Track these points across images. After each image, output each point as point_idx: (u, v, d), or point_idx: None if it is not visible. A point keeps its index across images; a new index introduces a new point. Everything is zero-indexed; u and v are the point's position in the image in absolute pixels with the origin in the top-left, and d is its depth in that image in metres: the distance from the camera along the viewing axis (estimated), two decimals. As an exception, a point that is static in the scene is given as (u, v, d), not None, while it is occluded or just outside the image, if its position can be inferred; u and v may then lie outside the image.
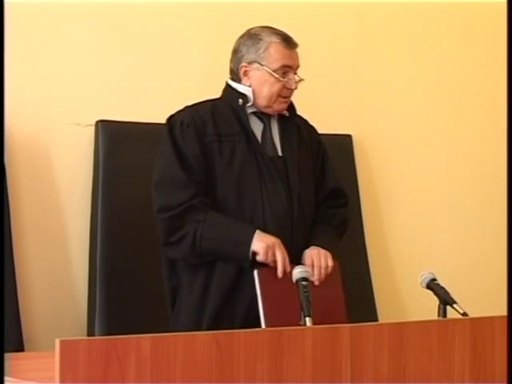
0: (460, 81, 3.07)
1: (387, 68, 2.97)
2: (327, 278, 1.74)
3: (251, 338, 1.24)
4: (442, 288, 1.66)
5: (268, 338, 1.26)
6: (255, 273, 1.67)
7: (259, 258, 1.67)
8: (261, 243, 1.67)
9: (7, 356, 1.35)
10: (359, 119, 2.86)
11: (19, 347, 1.97)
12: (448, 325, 1.55)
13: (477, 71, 3.12)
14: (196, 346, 1.15)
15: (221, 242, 1.73)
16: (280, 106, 1.83)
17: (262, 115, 1.85)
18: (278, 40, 1.80)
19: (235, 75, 1.86)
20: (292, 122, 1.90)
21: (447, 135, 3.01)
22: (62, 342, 0.99)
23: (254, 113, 1.84)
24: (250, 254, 1.68)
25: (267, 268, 1.68)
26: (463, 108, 3.08)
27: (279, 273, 1.64)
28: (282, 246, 1.69)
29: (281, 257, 1.66)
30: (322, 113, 2.48)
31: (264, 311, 1.64)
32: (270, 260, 1.66)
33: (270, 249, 1.67)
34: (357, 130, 2.80)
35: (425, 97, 3.02)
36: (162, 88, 2.39)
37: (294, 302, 1.53)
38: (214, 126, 1.78)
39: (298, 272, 1.50)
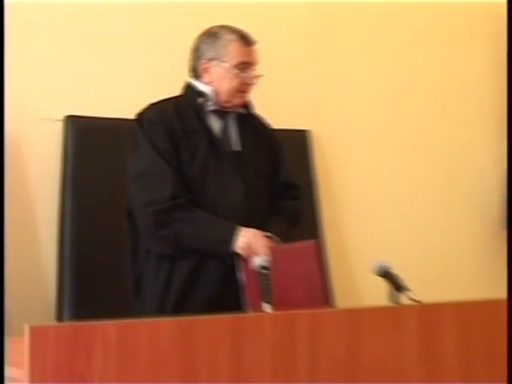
0: (413, 77, 3.18)
1: (345, 64, 3.04)
2: (302, 257, 1.81)
3: (213, 323, 1.29)
4: (395, 276, 1.74)
5: (229, 323, 1.31)
6: (238, 262, 1.78)
7: (241, 253, 1.78)
8: (243, 239, 1.77)
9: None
10: (318, 115, 2.92)
11: (-12, 333, 2.00)
12: (400, 310, 1.64)
13: (426, 67, 3.22)
14: (160, 330, 1.19)
15: (206, 240, 1.81)
16: (239, 100, 1.91)
17: (221, 113, 1.91)
18: (236, 38, 1.88)
19: (195, 72, 1.92)
20: (249, 120, 1.98)
21: (400, 129, 3.11)
22: (31, 328, 1.03)
23: (214, 111, 1.90)
24: (233, 250, 1.78)
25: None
26: (415, 103, 3.18)
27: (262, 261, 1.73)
28: (262, 239, 1.79)
29: (259, 251, 1.74)
30: (280, 108, 2.57)
31: (246, 298, 1.75)
32: (250, 255, 1.75)
33: (250, 245, 1.77)
34: (315, 126, 2.86)
35: (380, 93, 3.10)
36: (131, 84, 2.42)
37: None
38: (179, 122, 1.85)
39: (258, 261, 1.58)
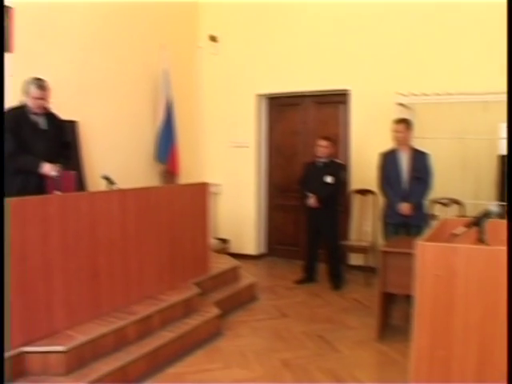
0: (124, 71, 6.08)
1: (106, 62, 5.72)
2: (68, 178, 4.52)
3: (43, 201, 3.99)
4: (111, 178, 4.62)
5: (57, 201, 4.03)
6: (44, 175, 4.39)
7: (45, 171, 4.36)
8: (45, 165, 4.34)
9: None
10: (83, 107, 5.57)
11: None
12: (117, 194, 4.48)
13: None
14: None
15: (30, 166, 4.30)
16: (37, 109, 4.40)
17: (36, 113, 4.39)
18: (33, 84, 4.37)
19: (25, 94, 4.42)
20: (49, 115, 4.54)
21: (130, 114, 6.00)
22: None
23: (34, 113, 4.40)
24: (41, 170, 4.33)
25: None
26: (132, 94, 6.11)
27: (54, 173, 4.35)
28: (53, 167, 4.37)
29: (52, 171, 4.36)
30: (64, 105, 4.92)
31: (50, 189, 4.38)
32: (49, 172, 4.35)
33: (48, 168, 4.31)
34: (81, 116, 5.52)
35: (119, 88, 5.89)
36: None
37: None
38: (20, 117, 4.34)
39: (53, 173, 4.28)
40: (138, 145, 6.59)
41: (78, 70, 5.56)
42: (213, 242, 7.21)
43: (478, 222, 2.70)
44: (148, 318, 4.02)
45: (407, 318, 2.73)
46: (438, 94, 5.90)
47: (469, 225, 2.72)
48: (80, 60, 5.65)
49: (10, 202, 3.21)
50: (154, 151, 6.77)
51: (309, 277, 6.40)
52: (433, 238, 2.63)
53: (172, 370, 3.86)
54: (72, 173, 4.47)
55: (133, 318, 3.89)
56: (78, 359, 3.41)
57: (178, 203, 4.77)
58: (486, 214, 2.72)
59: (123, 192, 4.20)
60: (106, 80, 6.03)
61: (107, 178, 4.56)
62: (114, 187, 4.49)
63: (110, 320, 3.80)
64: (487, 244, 2.59)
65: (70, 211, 3.63)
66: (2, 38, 4.54)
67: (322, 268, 6.39)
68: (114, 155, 6.08)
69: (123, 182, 4.59)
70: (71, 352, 3.37)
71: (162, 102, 6.69)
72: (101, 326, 3.69)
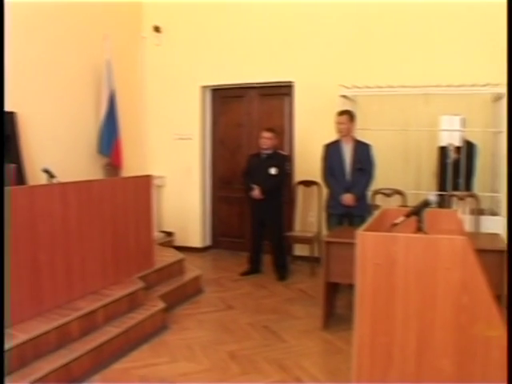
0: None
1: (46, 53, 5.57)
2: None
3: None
4: (51, 171, 4.50)
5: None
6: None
7: None
8: None
9: None
10: (22, 98, 5.38)
11: None
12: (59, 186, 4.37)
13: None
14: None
15: None
16: None
17: None
18: None
19: None
20: None
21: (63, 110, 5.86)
22: None
23: None
24: None
25: None
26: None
27: None
28: None
29: None
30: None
31: None
32: None
33: None
34: (20, 108, 5.33)
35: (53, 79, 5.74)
36: None
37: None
38: None
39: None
40: (80, 137, 6.44)
41: (15, 60, 5.37)
42: (157, 235, 7.16)
43: (416, 212, 2.77)
44: (92, 313, 3.96)
45: (351, 306, 2.80)
46: (381, 87, 6.01)
47: (408, 214, 2.79)
48: (18, 50, 5.46)
49: None
50: (96, 144, 6.62)
51: (254, 268, 6.43)
52: (373, 228, 2.69)
53: (117, 366, 3.82)
54: (11, 166, 4.35)
55: (76, 314, 3.82)
56: (20, 358, 3.33)
57: (121, 196, 4.70)
58: (425, 204, 2.80)
59: (64, 185, 4.09)
60: (47, 71, 5.87)
61: (47, 172, 4.46)
62: (55, 181, 4.41)
63: (53, 317, 3.72)
64: (425, 233, 2.67)
65: (8, 206, 3.51)
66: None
67: (267, 259, 6.44)
68: (54, 148, 5.93)
69: (64, 176, 4.50)
70: (12, 351, 3.27)
71: (105, 94, 6.55)
72: (43, 324, 3.60)
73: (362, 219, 4.90)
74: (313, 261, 6.39)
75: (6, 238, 3.11)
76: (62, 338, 3.65)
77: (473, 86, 5.66)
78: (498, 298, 3.36)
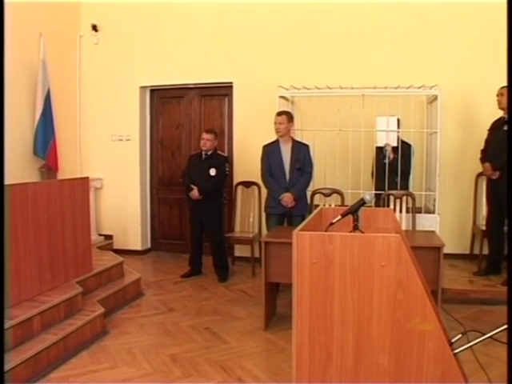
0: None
1: None
2: None
3: None
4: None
5: None
6: None
7: None
8: None
9: None
10: None
11: None
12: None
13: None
14: None
15: None
16: None
17: None
18: None
19: None
20: None
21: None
22: None
23: None
24: None
25: None
26: None
27: None
28: None
29: None
30: None
31: None
32: None
33: None
34: None
35: None
36: None
37: None
38: None
39: None
40: (15, 138, 6.18)
41: None
42: (96, 238, 7.03)
43: (353, 211, 2.83)
44: (28, 321, 3.83)
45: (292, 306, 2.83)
46: (319, 88, 6.10)
47: (344, 214, 2.84)
48: None
49: None
50: (32, 145, 6.42)
51: (195, 270, 6.41)
52: (310, 228, 2.73)
53: (55, 375, 3.72)
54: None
55: (11, 322, 3.69)
56: (-50, 370, 3.19)
57: (58, 199, 4.58)
58: (361, 203, 2.86)
59: (-3, 189, 3.94)
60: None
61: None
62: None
63: (-15, 326, 3.58)
64: (361, 231, 2.73)
65: None
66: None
67: (207, 260, 6.42)
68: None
69: (-3, 179, 4.33)
70: None
71: (40, 94, 6.37)
72: (-26, 333, 3.47)
73: (301, 219, 4.96)
74: (253, 261, 6.41)
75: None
76: (-5, 347, 3.52)
77: (409, 87, 5.82)
78: (433, 293, 3.49)
